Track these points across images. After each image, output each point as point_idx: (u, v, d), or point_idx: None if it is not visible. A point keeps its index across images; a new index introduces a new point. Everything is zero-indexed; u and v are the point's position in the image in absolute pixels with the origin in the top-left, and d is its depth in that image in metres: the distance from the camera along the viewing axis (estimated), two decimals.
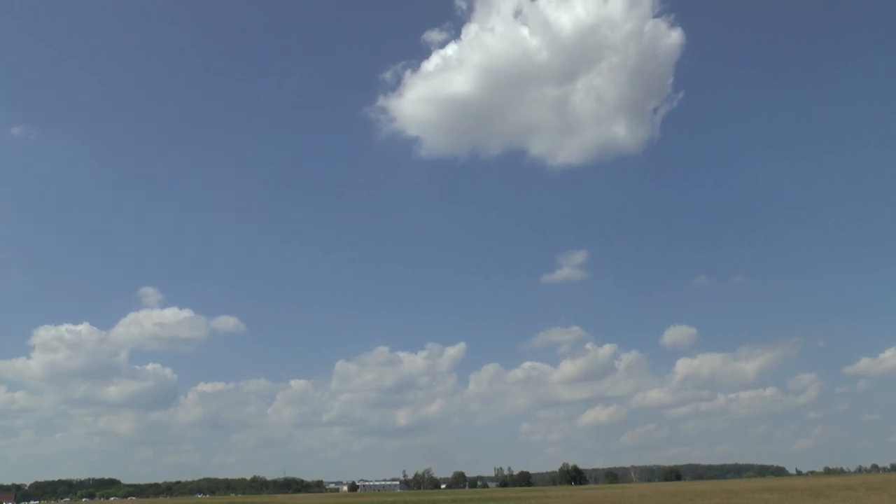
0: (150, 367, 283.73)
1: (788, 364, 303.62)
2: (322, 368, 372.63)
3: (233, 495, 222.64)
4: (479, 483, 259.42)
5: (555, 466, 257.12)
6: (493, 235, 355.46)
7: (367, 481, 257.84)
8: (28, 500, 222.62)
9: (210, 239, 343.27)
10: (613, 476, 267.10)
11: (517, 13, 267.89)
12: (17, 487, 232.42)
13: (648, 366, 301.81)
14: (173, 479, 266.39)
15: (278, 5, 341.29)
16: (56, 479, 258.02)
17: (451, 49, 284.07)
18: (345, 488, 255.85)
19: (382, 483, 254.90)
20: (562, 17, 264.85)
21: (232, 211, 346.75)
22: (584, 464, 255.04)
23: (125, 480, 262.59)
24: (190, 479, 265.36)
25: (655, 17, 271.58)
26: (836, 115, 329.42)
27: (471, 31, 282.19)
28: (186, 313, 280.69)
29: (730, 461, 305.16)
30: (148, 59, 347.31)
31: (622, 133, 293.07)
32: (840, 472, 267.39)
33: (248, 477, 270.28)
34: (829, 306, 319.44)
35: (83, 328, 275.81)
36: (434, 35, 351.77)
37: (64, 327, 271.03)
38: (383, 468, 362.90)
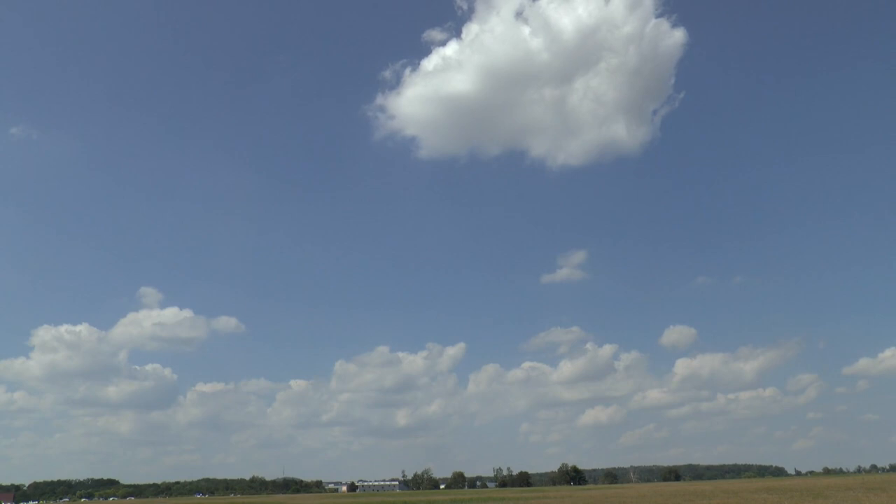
0: (149, 367, 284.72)
1: (788, 364, 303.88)
2: (322, 368, 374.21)
3: (232, 495, 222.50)
4: (478, 483, 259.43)
5: (554, 467, 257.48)
6: (493, 235, 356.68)
7: (366, 481, 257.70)
8: (27, 501, 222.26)
9: (210, 239, 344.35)
10: (613, 476, 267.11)
11: (518, 13, 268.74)
12: (17, 488, 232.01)
13: (648, 366, 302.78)
14: (172, 480, 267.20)
15: (278, 3, 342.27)
16: (55, 479, 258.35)
17: (451, 48, 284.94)
18: (344, 488, 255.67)
19: (382, 483, 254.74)
20: (563, 17, 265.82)
21: (231, 211, 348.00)
22: (584, 464, 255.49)
23: (124, 481, 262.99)
24: (189, 479, 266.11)
25: (658, 16, 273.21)
26: (835, 115, 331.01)
27: (471, 30, 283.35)
28: (186, 313, 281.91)
29: (729, 461, 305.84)
30: (148, 59, 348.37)
31: (622, 133, 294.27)
32: (839, 472, 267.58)
33: (248, 477, 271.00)
34: (828, 307, 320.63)
35: (82, 328, 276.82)
36: (434, 34, 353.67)
37: (63, 327, 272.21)
38: (382, 468, 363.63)
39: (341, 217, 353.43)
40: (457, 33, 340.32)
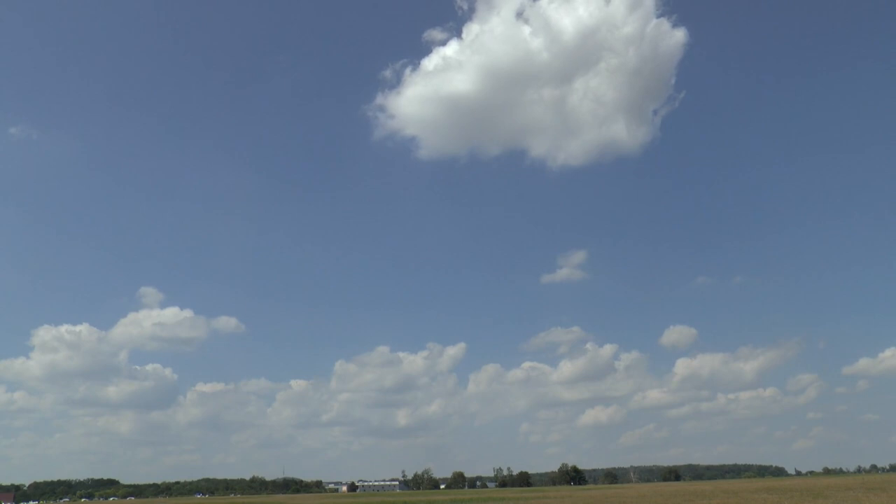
0: (149, 367, 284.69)
1: (788, 364, 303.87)
2: (322, 368, 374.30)
3: (232, 495, 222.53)
4: (478, 483, 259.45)
5: (554, 467, 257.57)
6: (493, 235, 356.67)
7: (366, 481, 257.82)
8: (27, 501, 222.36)
9: (210, 239, 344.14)
10: (613, 476, 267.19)
11: (519, 13, 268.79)
12: (17, 488, 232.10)
13: (648, 366, 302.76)
14: (172, 480, 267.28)
15: (278, 3, 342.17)
16: (55, 479, 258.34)
17: (451, 48, 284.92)
18: (344, 488, 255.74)
19: (382, 483, 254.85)
20: (563, 17, 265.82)
21: (231, 210, 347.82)
22: (584, 464, 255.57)
23: (124, 481, 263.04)
24: (189, 479, 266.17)
25: (658, 17, 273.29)
26: (835, 115, 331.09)
27: (472, 30, 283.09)
28: (186, 313, 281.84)
29: (729, 461, 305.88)
30: (148, 59, 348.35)
31: (622, 133, 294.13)
32: (839, 472, 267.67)
33: (248, 477, 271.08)
34: (828, 306, 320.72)
35: (83, 328, 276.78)
36: (435, 34, 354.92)
37: (63, 327, 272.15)
38: (383, 468, 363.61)
39: (341, 217, 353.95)
40: (457, 33, 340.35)
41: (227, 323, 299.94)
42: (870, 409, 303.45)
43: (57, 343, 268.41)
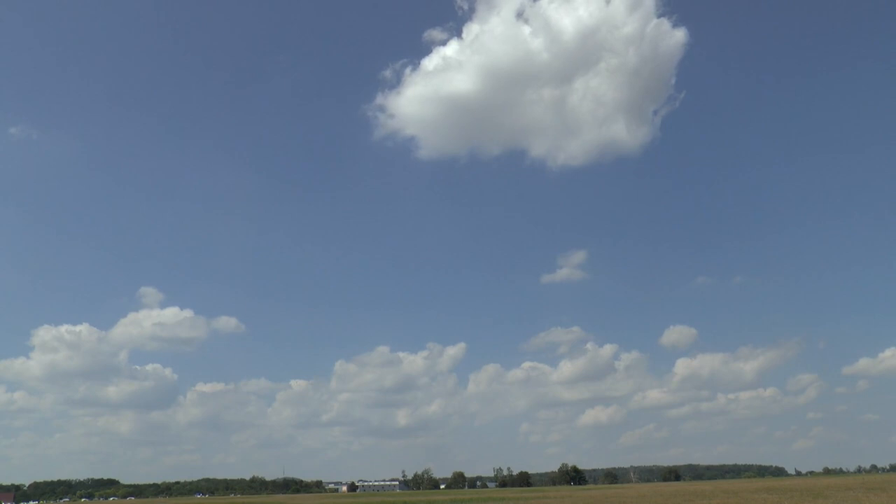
0: (149, 367, 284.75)
1: (788, 364, 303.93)
2: (322, 368, 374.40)
3: (232, 495, 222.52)
4: (478, 483, 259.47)
5: (554, 467, 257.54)
6: (493, 235, 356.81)
7: (366, 481, 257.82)
8: (27, 501, 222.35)
9: (210, 239, 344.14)
10: (613, 476, 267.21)
11: (519, 14, 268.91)
12: (17, 488, 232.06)
13: (648, 366, 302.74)
14: (172, 480, 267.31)
15: (278, 3, 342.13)
16: (55, 479, 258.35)
17: (451, 48, 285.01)
18: (344, 488, 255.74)
19: (382, 483, 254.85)
20: (563, 18, 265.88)
21: (231, 211, 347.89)
22: (584, 464, 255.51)
23: (124, 481, 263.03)
24: (189, 479, 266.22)
25: (659, 16, 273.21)
26: (835, 115, 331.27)
27: (472, 30, 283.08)
28: (186, 313, 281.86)
29: (729, 461, 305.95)
30: (148, 59, 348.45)
31: (622, 133, 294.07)
32: (839, 472, 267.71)
33: (248, 477, 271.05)
34: (828, 306, 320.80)
35: (83, 328, 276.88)
36: (435, 34, 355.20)
37: (63, 327, 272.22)
38: (383, 468, 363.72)
39: (341, 217, 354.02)
40: (457, 33, 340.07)
41: (227, 323, 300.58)
42: (870, 409, 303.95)
43: (57, 343, 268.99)
